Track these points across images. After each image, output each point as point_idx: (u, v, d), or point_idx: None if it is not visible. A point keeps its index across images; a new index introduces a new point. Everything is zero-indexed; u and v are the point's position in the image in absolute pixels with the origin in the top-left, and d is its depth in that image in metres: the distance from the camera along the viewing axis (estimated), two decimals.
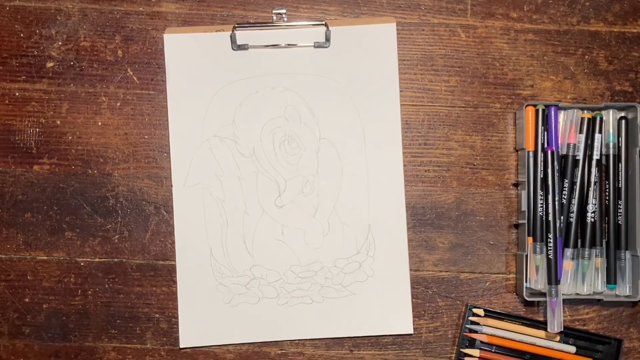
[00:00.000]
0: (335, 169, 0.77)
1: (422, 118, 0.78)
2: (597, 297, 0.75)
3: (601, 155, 0.75)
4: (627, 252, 0.74)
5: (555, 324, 0.73)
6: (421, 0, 0.78)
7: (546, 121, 0.75)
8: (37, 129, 0.77)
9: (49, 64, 0.77)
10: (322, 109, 0.77)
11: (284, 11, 0.77)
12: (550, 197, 0.73)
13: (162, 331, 0.77)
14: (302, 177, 0.77)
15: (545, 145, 0.74)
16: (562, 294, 0.73)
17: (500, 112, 0.78)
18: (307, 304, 0.76)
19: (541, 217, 0.74)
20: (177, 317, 0.76)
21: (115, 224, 0.77)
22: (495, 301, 0.77)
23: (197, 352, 0.77)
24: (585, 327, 0.77)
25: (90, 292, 0.77)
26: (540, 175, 0.74)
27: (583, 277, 0.75)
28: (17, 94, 0.77)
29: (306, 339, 0.77)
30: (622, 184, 0.74)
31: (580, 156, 0.74)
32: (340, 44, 0.77)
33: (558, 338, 0.75)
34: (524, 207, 0.74)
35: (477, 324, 0.75)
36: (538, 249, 0.73)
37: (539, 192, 0.74)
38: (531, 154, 0.74)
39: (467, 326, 0.75)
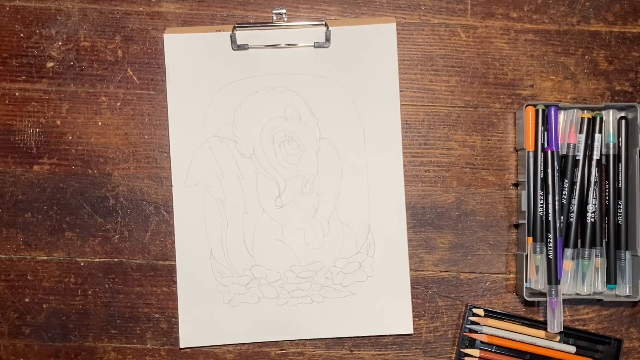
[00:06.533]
0: (335, 169, 0.77)
1: (422, 118, 0.78)
2: (597, 297, 0.75)
3: (601, 155, 0.75)
4: (627, 252, 0.74)
5: (555, 324, 0.73)
6: (421, 0, 0.78)
7: (546, 121, 0.75)
8: (37, 129, 0.77)
9: (49, 64, 0.77)
10: (322, 109, 0.77)
11: (284, 11, 0.77)
12: (550, 197, 0.73)
13: (162, 331, 0.77)
14: (302, 177, 0.77)
15: (545, 145, 0.74)
16: (562, 294, 0.73)
17: (500, 112, 0.78)
18: (307, 304, 0.76)
19: (541, 217, 0.74)
20: (177, 317, 0.76)
21: (115, 224, 0.77)
22: (495, 301, 0.77)
23: (197, 352, 0.77)
24: (585, 327, 0.77)
25: (90, 292, 0.77)
26: (540, 175, 0.74)
27: (583, 277, 0.75)
28: (17, 94, 0.77)
29: (306, 339, 0.77)
30: (622, 184, 0.74)
31: (580, 156, 0.74)
32: (340, 44, 0.77)
33: (558, 338, 0.75)
34: (524, 207, 0.74)
35: (477, 324, 0.75)
36: (538, 249, 0.73)
37: (539, 192, 0.74)
38: (531, 154, 0.74)
39: (467, 326, 0.75)
